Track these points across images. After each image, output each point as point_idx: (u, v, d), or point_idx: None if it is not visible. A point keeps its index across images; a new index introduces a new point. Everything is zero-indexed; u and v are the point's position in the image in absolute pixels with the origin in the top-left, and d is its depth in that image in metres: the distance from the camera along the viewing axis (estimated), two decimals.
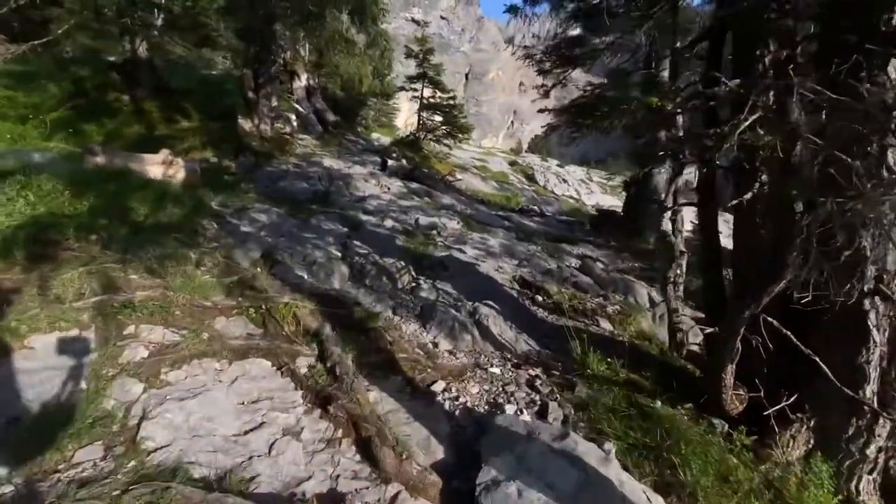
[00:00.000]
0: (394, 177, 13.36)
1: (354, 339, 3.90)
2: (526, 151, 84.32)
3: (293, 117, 16.06)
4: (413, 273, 5.71)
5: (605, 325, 5.19)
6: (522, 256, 7.60)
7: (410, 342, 4.21)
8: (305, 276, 5.22)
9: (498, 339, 4.49)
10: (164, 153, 8.03)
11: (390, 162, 13.87)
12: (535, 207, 15.86)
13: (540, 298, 5.58)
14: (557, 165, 55.94)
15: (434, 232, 8.08)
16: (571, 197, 42.48)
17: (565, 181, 43.71)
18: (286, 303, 4.07)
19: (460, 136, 19.51)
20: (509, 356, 4.25)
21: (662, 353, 4.63)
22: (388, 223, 8.13)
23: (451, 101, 19.25)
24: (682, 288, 5.09)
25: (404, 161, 14.88)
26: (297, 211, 7.92)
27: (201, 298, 4.01)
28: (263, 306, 4.02)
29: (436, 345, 4.30)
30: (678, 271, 4.43)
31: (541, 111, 10.68)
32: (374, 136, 30.29)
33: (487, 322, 4.65)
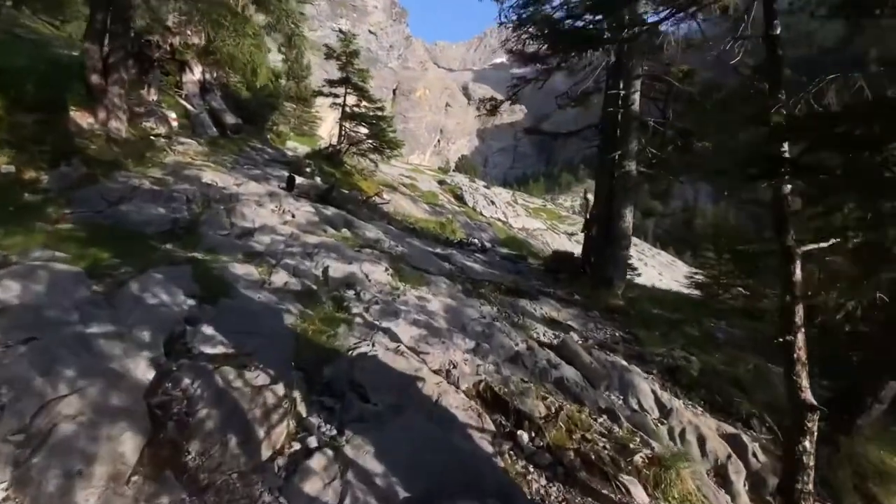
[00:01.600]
0: (303, 199, 10.51)
1: None
2: (453, 171, 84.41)
3: (172, 116, 12.47)
4: (301, 411, 3.09)
5: (639, 493, 3.04)
6: (478, 329, 5.35)
7: None
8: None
9: None
10: None
11: (300, 179, 11.00)
12: (475, 240, 13.87)
13: (526, 439, 3.30)
14: (484, 186, 55.94)
15: (351, 293, 5.52)
16: (500, 220, 42.01)
17: (493, 203, 43.31)
18: None
19: (388, 151, 17.10)
20: None
21: None
22: (279, 278, 5.41)
23: (379, 112, 16.81)
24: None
25: (318, 179, 12.05)
26: (127, 256, 4.90)
27: None
28: None
29: None
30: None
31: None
32: (291, 145, 26.64)
33: None
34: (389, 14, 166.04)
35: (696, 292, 10.61)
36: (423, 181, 39.73)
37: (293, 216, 8.71)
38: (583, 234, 9.87)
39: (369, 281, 6.11)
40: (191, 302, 4.07)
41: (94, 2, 8.77)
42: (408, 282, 6.57)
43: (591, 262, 8.60)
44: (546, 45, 7.95)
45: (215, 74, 18.74)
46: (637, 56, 8.54)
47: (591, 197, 10.33)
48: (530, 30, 8.47)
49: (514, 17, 8.69)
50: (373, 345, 4.09)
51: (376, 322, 4.74)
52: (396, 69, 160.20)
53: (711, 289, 9.96)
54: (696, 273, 12.07)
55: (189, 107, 16.20)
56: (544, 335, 5.86)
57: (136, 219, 6.55)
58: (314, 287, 5.47)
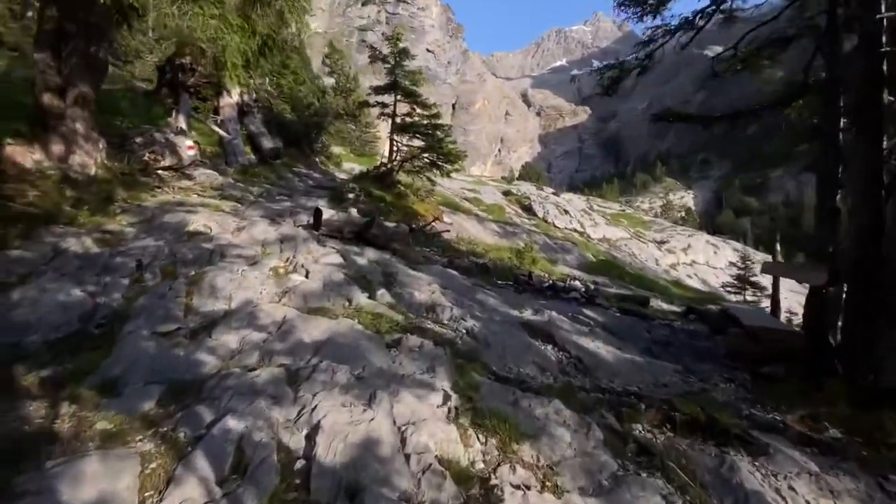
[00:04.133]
0: (332, 240, 7.55)
1: None
2: (517, 179, 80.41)
3: (188, 143, 10.30)
4: None
5: None
6: None
7: None
8: None
9: None
10: None
11: (329, 213, 8.06)
12: (576, 283, 9.97)
13: None
14: (553, 193, 51.58)
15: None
16: (575, 230, 37.53)
17: (566, 212, 38.78)
18: None
19: (447, 165, 13.92)
20: None
21: None
22: (179, 494, 2.21)
23: (435, 120, 13.76)
24: None
25: (354, 210, 9.05)
26: None
27: None
28: None
29: None
30: None
31: None
32: (348, 166, 24.64)
33: None
34: (446, 31, 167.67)
35: None
36: (486, 193, 36.50)
37: (306, 275, 5.67)
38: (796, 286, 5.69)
39: (414, 462, 2.71)
40: None
41: None
42: (495, 434, 3.11)
43: (839, 348, 4.50)
44: None
45: (254, 96, 17.01)
46: None
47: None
48: None
49: None
50: None
51: None
52: (455, 84, 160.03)
53: None
54: None
55: (222, 133, 14.34)
56: None
57: (22, 316, 3.81)
58: None
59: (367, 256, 7.13)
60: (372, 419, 2.96)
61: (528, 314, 6.14)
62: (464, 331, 5.03)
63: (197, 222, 6.58)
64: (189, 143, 10.48)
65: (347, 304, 5.13)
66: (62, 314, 3.93)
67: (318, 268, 5.97)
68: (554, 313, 6.25)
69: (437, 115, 13.82)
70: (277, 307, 4.57)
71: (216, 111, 15.51)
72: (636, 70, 6.32)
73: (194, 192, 8.62)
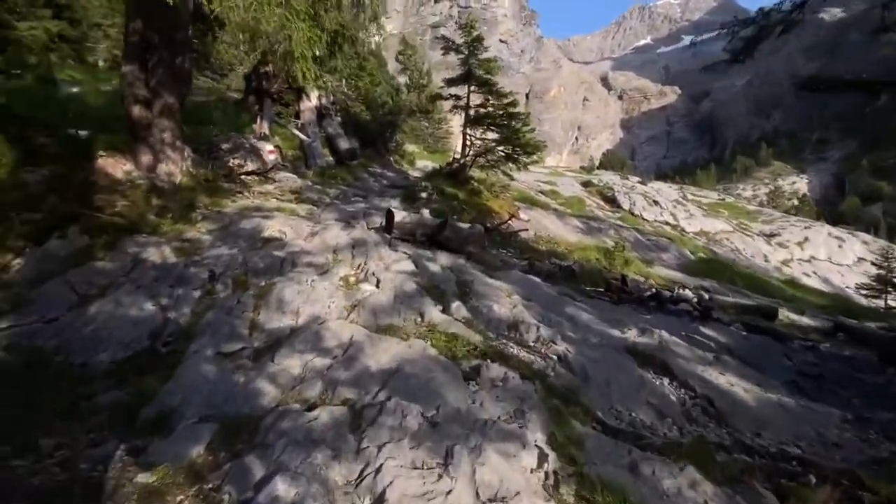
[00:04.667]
0: (404, 244, 7.10)
1: None
2: (598, 168, 75.47)
3: (268, 148, 10.56)
4: None
5: None
6: None
7: None
8: None
9: None
10: None
11: (401, 216, 7.63)
12: (688, 293, 8.50)
13: None
14: (639, 182, 47.58)
15: None
16: (667, 223, 34.16)
17: (656, 203, 35.34)
18: None
19: (524, 158, 12.93)
20: None
21: None
22: None
23: (511, 110, 12.82)
24: None
25: (426, 211, 8.53)
26: None
27: None
28: None
29: None
30: None
31: None
32: (422, 164, 24.52)
33: None
34: (519, 19, 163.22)
35: None
36: (564, 185, 34.46)
37: (377, 284, 5.23)
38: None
39: None
40: None
41: (129, 4, 6.76)
42: None
43: None
44: None
45: (332, 98, 17.35)
46: None
47: None
48: None
49: None
50: None
51: None
52: (528, 73, 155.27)
53: None
54: None
55: (302, 136, 14.74)
56: None
57: (94, 332, 3.75)
58: None
59: (440, 262, 6.55)
60: (449, 491, 2.31)
61: (632, 335, 5.11)
62: (555, 357, 4.20)
63: (272, 228, 6.47)
64: (270, 147, 10.74)
65: (419, 319, 4.56)
66: (132, 330, 3.82)
67: (390, 276, 5.49)
68: (665, 333, 5.13)
69: (512, 104, 12.87)
70: (345, 325, 4.12)
71: (297, 115, 16.04)
72: (780, 26, 4.87)
73: (273, 195, 8.70)
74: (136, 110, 6.52)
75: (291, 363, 3.52)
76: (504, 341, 4.40)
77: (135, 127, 6.58)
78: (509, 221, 10.99)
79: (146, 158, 6.56)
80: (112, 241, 5.04)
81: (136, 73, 6.49)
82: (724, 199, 59.60)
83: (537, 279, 6.87)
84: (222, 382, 3.26)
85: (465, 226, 7.88)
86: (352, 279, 5.37)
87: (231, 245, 5.66)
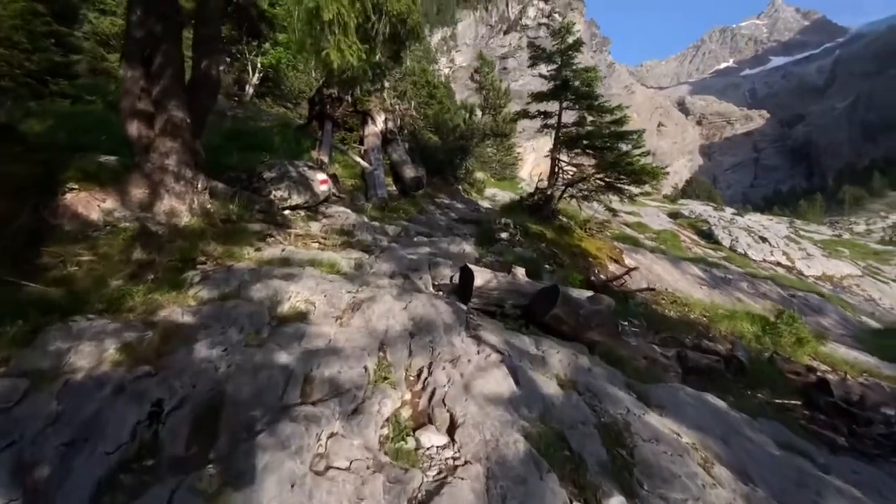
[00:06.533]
0: (484, 325, 4.55)
1: None
2: (681, 199, 68.87)
3: (320, 178, 8.68)
4: None
5: None
6: None
7: None
8: None
9: None
10: None
11: (482, 278, 5.11)
12: (891, 413, 5.07)
13: None
14: (735, 214, 41.66)
15: None
16: (779, 264, 28.80)
17: (764, 239, 29.93)
18: None
19: (634, 188, 10.02)
20: None
21: None
22: None
23: (617, 128, 10.08)
24: None
25: (520, 271, 5.92)
26: None
27: None
28: None
29: None
30: None
31: None
32: (490, 192, 22.19)
33: None
34: (590, 46, 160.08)
35: None
36: (649, 216, 30.29)
37: (450, 434, 2.70)
38: None
39: None
40: None
41: None
42: None
43: None
44: None
45: (399, 123, 15.66)
46: None
47: None
48: None
49: None
50: None
51: None
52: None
53: None
54: None
55: (363, 163, 12.96)
56: None
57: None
58: None
59: (552, 367, 3.91)
60: None
61: None
62: None
63: (295, 297, 4.25)
64: (322, 177, 8.86)
65: None
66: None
67: (474, 411, 2.95)
68: None
69: (620, 122, 10.10)
70: None
71: (361, 141, 14.51)
72: None
73: (315, 238, 6.62)
74: (134, 128, 4.73)
75: None
76: None
77: (132, 147, 4.79)
78: (627, 275, 8.07)
79: (138, 192, 4.70)
80: (30, 332, 3.02)
81: (136, 79, 4.73)
82: (839, 236, 51.06)
83: (722, 404, 3.95)
84: None
85: (584, 295, 5.15)
86: (405, 420, 2.90)
87: (219, 334, 3.45)
